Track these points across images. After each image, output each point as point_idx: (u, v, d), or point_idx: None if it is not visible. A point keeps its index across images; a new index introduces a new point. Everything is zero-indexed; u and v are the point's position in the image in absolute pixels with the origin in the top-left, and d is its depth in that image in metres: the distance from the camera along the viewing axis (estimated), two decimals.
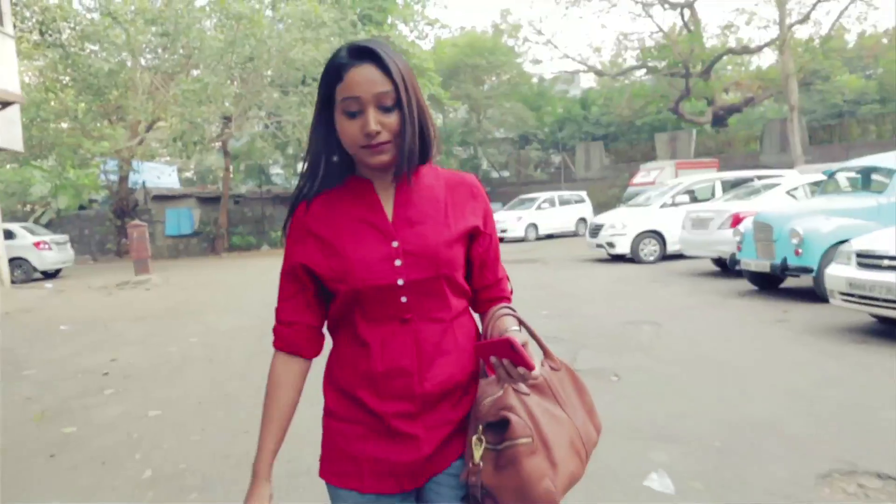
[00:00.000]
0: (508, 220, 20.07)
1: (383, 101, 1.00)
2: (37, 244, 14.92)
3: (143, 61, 19.12)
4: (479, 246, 1.14)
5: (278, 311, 1.13)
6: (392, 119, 1.01)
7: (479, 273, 1.15)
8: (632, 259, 11.59)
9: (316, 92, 1.07)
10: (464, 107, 31.75)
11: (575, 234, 20.35)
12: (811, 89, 26.48)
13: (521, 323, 1.10)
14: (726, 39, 27.86)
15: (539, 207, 20.51)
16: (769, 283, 7.60)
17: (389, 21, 24.31)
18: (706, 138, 27.40)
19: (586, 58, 32.17)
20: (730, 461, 2.85)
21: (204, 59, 16.37)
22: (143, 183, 23.17)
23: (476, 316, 1.19)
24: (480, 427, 1.01)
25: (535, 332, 1.11)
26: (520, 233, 19.79)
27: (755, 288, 7.70)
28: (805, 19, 23.42)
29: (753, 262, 7.16)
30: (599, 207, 20.62)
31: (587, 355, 4.93)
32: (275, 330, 1.13)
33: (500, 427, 0.99)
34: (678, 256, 11.06)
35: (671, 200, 11.63)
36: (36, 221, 21.23)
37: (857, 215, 6.55)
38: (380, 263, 1.04)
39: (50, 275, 15.67)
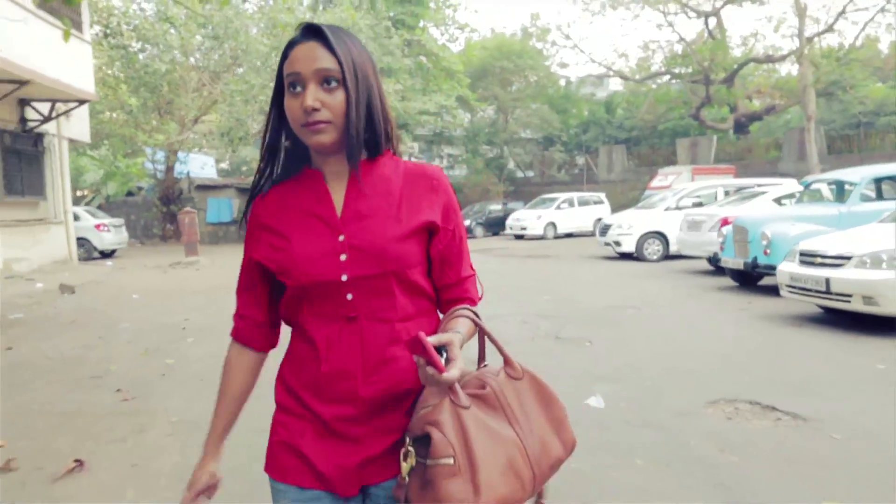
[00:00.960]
0: (529, 219, 21.17)
1: (325, 77, 0.98)
2: (97, 226, 16.50)
3: (192, 60, 20.64)
4: (439, 242, 1.08)
5: (236, 301, 1.15)
6: (335, 99, 0.98)
7: (439, 271, 1.10)
8: (637, 257, 12.57)
9: None
10: (491, 107, 32.79)
11: (592, 234, 21.22)
12: (832, 99, 26.85)
13: (478, 326, 1.06)
14: (751, 48, 28.42)
15: (558, 207, 21.49)
16: (748, 280, 8.55)
17: (421, 24, 25.50)
18: (727, 144, 27.97)
19: (612, 63, 32.89)
20: (649, 392, 3.96)
21: (249, 61, 17.76)
22: (188, 173, 24.77)
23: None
24: (408, 439, 0.97)
25: (493, 336, 1.06)
26: (539, 231, 20.81)
27: (736, 284, 8.67)
28: (828, 30, 23.94)
29: (731, 260, 8.16)
30: (619, 209, 21.46)
31: (571, 328, 6.03)
32: (233, 318, 1.16)
33: (426, 442, 0.93)
34: (680, 256, 12.00)
35: (675, 204, 12.58)
36: (87, 206, 22.96)
37: (820, 221, 7.50)
38: (324, 258, 1.02)
39: (106, 254, 17.22)
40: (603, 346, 5.28)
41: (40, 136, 12.41)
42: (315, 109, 0.97)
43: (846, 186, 8.31)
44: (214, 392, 1.16)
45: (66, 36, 5.30)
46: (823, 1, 45.07)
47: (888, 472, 2.70)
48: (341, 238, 1.02)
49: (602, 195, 22.78)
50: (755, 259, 7.59)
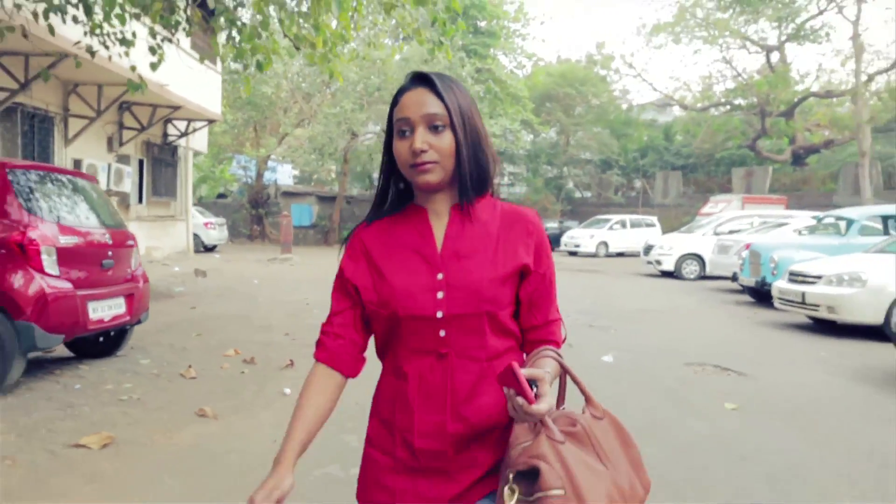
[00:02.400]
0: (582, 237, 22.85)
1: (433, 122, 1.05)
2: (206, 224, 19.28)
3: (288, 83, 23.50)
4: (529, 285, 1.13)
5: (326, 323, 1.17)
6: (442, 141, 1.05)
7: (527, 313, 1.15)
8: (676, 276, 14.06)
9: None
10: (553, 129, 34.55)
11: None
12: (893, 134, 27.22)
13: (563, 368, 1.09)
14: (815, 81, 29.11)
15: (611, 228, 23.04)
16: (763, 298, 9.97)
17: (491, 52, 27.65)
18: (783, 175, 28.70)
19: (673, 91, 34.09)
20: (647, 357, 5.74)
21: (340, 86, 20.28)
22: (276, 180, 27.71)
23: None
24: (511, 475, 0.97)
25: (576, 378, 1.09)
26: (591, 249, 22.41)
27: (752, 300, 10.16)
28: (891, 68, 24.54)
29: (746, 279, 9.70)
30: (671, 233, 22.82)
31: (602, 321, 7.81)
32: (319, 341, 1.16)
33: (530, 476, 0.94)
34: (716, 277, 13.43)
35: (713, 230, 14.04)
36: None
37: (823, 250, 8.96)
38: (422, 294, 1.07)
39: (209, 248, 19.94)
40: (623, 332, 7.05)
41: (175, 147, 15.12)
42: (423, 151, 1.04)
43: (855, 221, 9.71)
44: None
45: (248, 89, 7.53)
46: (891, 37, 44.57)
47: (771, 396, 4.43)
48: (440, 276, 1.08)
49: (654, 219, 24.11)
50: (764, 278, 9.12)
